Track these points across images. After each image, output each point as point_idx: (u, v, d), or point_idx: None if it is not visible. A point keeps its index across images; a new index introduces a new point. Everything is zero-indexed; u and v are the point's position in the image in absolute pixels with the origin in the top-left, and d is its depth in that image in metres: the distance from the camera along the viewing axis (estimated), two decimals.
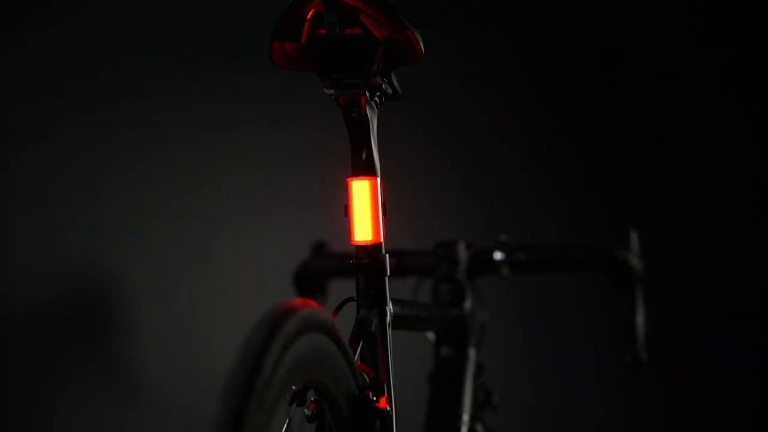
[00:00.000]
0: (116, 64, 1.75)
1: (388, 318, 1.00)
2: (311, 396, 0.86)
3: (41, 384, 1.64)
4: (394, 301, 1.03)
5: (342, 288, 1.27)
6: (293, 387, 0.83)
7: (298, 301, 0.80)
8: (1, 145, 1.61)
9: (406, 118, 2.10)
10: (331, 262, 1.59)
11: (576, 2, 2.35)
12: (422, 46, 0.99)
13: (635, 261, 1.51)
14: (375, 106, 1.01)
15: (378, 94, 1.00)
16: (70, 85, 1.69)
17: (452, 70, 2.24)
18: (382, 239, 1.00)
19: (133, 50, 1.78)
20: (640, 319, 1.51)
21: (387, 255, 1.00)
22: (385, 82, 1.01)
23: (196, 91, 1.88)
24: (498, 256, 1.50)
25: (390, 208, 1.01)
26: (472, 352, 1.43)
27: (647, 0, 2.37)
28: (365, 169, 0.99)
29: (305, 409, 0.86)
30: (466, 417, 1.36)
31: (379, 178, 1.00)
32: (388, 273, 1.01)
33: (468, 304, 1.42)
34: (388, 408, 0.94)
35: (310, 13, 0.95)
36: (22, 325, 1.63)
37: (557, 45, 2.34)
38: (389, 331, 1.01)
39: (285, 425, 0.85)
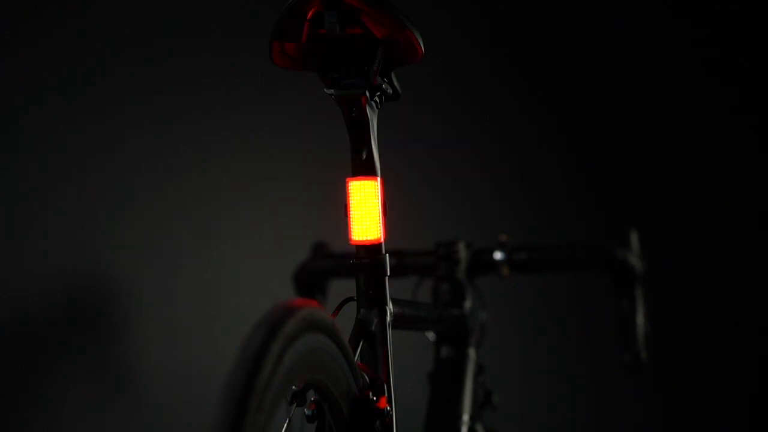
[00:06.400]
0: (119, 65, 1.75)
1: (388, 318, 1.00)
2: (311, 396, 0.86)
3: (41, 384, 1.64)
4: (394, 301, 1.03)
5: (342, 288, 1.27)
6: (293, 387, 0.83)
7: (298, 301, 0.80)
8: (3, 146, 1.61)
9: (406, 118, 2.10)
10: (331, 262, 1.59)
11: (576, 3, 2.35)
12: (422, 46, 0.99)
13: (635, 261, 1.51)
14: (375, 106, 1.01)
15: (378, 94, 1.00)
16: (72, 86, 1.69)
17: (452, 70, 2.24)
18: (382, 239, 1.00)
19: (136, 52, 1.78)
20: (640, 319, 1.51)
21: (387, 255, 1.00)
22: (385, 81, 1.01)
23: (196, 92, 1.88)
24: (498, 256, 1.50)
25: (390, 208, 1.01)
26: (472, 352, 1.43)
27: (648, 1, 2.37)
28: (365, 169, 0.99)
29: (305, 409, 0.86)
30: (466, 417, 1.36)
31: (379, 178, 1.00)
32: (388, 273, 1.01)
33: (468, 304, 1.42)
34: (388, 408, 0.94)
35: (310, 12, 0.95)
36: (22, 324, 1.63)
37: (557, 45, 2.34)
38: (389, 331, 1.01)
39: (285, 425, 0.84)
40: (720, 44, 2.35)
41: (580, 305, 2.32)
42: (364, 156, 0.99)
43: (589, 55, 2.36)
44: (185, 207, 1.86)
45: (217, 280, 1.91)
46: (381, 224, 1.00)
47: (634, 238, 1.54)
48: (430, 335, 1.43)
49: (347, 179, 1.00)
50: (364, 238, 0.99)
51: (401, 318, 1.06)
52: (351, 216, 1.00)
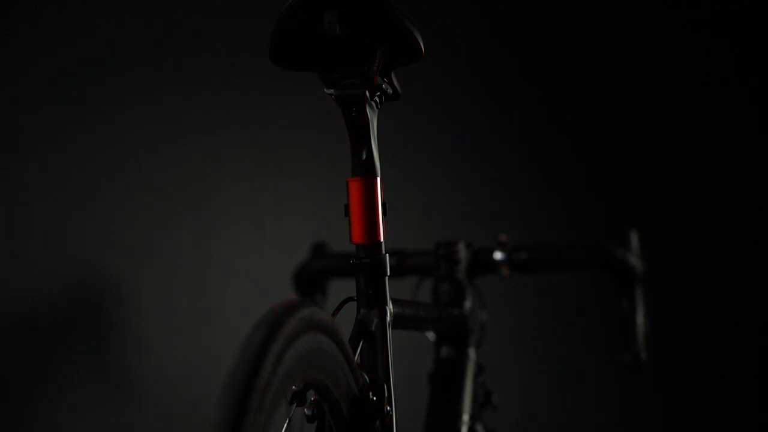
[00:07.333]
0: (119, 65, 1.75)
1: (388, 318, 1.00)
2: (311, 396, 0.86)
3: (41, 384, 1.64)
4: (394, 301, 1.03)
5: (342, 288, 1.27)
6: (293, 387, 0.83)
7: (298, 301, 0.80)
8: (3, 146, 1.61)
9: (405, 118, 2.10)
10: (331, 262, 1.59)
11: (576, 2, 2.35)
12: (422, 46, 0.99)
13: (635, 261, 1.51)
14: (375, 106, 1.00)
15: (378, 93, 1.00)
16: (72, 87, 1.69)
17: (452, 70, 2.24)
18: (382, 239, 1.00)
19: (136, 52, 1.78)
20: (640, 319, 1.51)
21: (387, 255, 1.00)
22: (385, 81, 1.01)
23: (196, 92, 1.88)
24: (498, 256, 1.50)
25: (390, 208, 1.01)
26: (472, 352, 1.43)
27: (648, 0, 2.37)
28: (365, 169, 0.99)
29: (305, 409, 0.86)
30: (466, 417, 1.36)
31: (379, 178, 0.99)
32: (388, 273, 1.01)
33: (468, 304, 1.42)
34: (388, 408, 0.94)
35: (310, 12, 0.95)
36: (22, 324, 1.63)
37: (557, 45, 2.34)
38: (389, 331, 1.00)
39: (285, 425, 0.84)
40: (719, 42, 2.35)
41: (580, 305, 2.32)
42: (364, 156, 0.99)
43: (589, 54, 2.36)
44: (185, 207, 1.86)
45: (217, 280, 1.91)
46: (381, 224, 1.00)
47: (634, 238, 1.54)
48: (430, 335, 1.43)
49: (347, 179, 1.00)
50: (364, 238, 0.99)
51: (401, 318, 1.06)
52: (351, 216, 0.99)
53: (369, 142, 0.99)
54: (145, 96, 1.79)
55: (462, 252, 1.45)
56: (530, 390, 2.29)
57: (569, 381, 2.32)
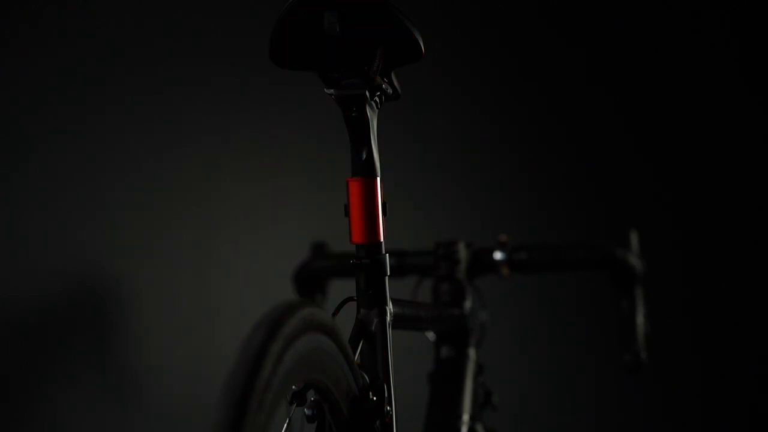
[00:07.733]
0: (119, 65, 1.75)
1: (388, 318, 1.00)
2: (311, 396, 0.86)
3: (41, 384, 1.64)
4: (394, 301, 1.03)
5: (342, 288, 1.27)
6: (293, 387, 0.83)
7: (298, 301, 0.80)
8: (3, 146, 1.61)
9: (405, 118, 2.10)
10: (331, 262, 1.59)
11: (575, 1, 2.35)
12: (422, 46, 0.99)
13: (635, 261, 1.51)
14: (375, 106, 1.00)
15: (378, 93, 1.00)
16: (72, 87, 1.69)
17: (452, 70, 2.24)
18: (382, 239, 1.00)
19: (136, 52, 1.78)
20: (640, 319, 1.51)
21: (387, 255, 1.00)
22: (385, 81, 1.01)
23: (196, 92, 1.88)
24: (498, 256, 1.50)
25: (390, 208, 1.01)
26: (471, 352, 1.43)
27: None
28: (365, 169, 0.99)
29: (305, 409, 0.86)
30: (466, 417, 1.36)
31: (379, 178, 1.00)
32: (388, 273, 1.01)
33: (468, 304, 1.42)
34: (388, 408, 0.94)
35: (310, 12, 0.95)
36: (22, 324, 1.63)
37: (557, 44, 2.34)
38: (389, 331, 1.01)
39: (285, 425, 0.84)
40: (720, 42, 2.35)
41: (580, 305, 2.32)
42: (364, 156, 0.99)
43: (589, 54, 2.36)
44: (185, 207, 1.86)
45: (217, 280, 1.91)
46: (381, 224, 1.00)
47: (633, 238, 1.54)
48: (430, 335, 1.43)
49: (347, 179, 1.00)
50: (364, 239, 0.99)
51: (401, 318, 1.06)
52: (351, 216, 0.99)
53: (369, 142, 0.99)
54: (145, 96, 1.79)
55: (462, 252, 1.45)
56: (530, 390, 2.29)
57: (569, 381, 2.32)
